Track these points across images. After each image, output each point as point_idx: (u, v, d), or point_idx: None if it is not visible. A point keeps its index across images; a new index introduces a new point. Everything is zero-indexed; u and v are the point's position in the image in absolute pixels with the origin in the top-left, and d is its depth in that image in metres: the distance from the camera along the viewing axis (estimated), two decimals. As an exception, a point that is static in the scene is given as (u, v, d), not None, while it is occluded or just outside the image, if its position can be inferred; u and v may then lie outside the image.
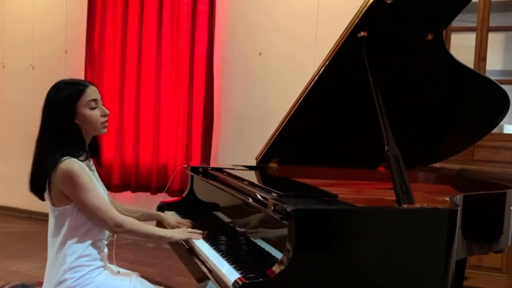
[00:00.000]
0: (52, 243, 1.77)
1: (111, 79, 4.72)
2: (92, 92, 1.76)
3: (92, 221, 1.73)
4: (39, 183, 1.74)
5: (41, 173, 1.71)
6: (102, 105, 1.81)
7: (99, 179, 1.87)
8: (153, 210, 2.21)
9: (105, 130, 1.80)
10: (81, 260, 1.73)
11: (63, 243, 1.72)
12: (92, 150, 1.85)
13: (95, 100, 1.76)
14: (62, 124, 1.72)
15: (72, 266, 1.71)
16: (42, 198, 1.78)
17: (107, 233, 1.84)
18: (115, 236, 1.87)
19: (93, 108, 1.75)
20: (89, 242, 1.75)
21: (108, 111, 1.80)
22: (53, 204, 1.74)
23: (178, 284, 3.36)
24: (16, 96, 5.40)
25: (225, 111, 4.49)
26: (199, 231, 1.95)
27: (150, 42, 4.60)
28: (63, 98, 1.73)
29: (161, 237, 1.89)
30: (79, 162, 1.70)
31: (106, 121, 1.79)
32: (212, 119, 4.42)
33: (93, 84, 1.81)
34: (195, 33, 4.43)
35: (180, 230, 1.97)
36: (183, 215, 2.31)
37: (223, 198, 2.16)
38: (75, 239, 1.72)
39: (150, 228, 1.87)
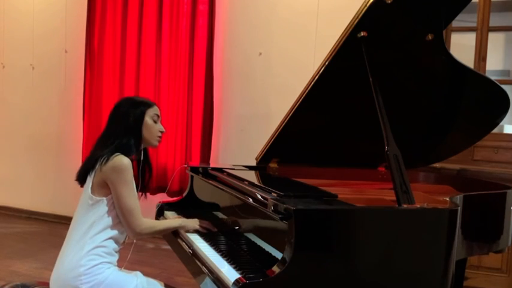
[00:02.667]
0: (76, 229, 1.87)
1: (111, 79, 4.72)
2: (157, 109, 2.03)
3: (120, 218, 1.87)
4: (87, 170, 1.90)
5: (93, 161, 1.88)
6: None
7: None
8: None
9: (157, 144, 2.03)
10: (97, 250, 1.83)
11: (87, 231, 1.84)
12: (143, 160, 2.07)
13: (158, 116, 2.01)
14: (130, 124, 1.93)
15: (89, 253, 1.81)
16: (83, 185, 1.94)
17: (125, 237, 1.96)
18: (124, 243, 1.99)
19: (155, 122, 1.99)
20: (109, 236, 1.87)
21: (164, 130, 2.03)
22: (92, 192, 1.86)
23: (178, 284, 3.36)
24: (16, 96, 5.40)
25: (225, 111, 4.49)
26: (209, 223, 2.07)
27: (149, 42, 4.60)
28: (137, 104, 1.98)
29: (177, 227, 2.05)
30: (129, 160, 1.87)
31: (160, 137, 2.02)
32: (212, 119, 4.42)
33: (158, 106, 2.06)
34: (195, 33, 4.43)
35: (193, 220, 2.09)
36: (183, 215, 2.31)
37: (223, 198, 2.16)
38: (98, 230, 1.85)
39: (166, 223, 2.07)
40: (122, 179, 1.83)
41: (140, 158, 2.02)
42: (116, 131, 1.93)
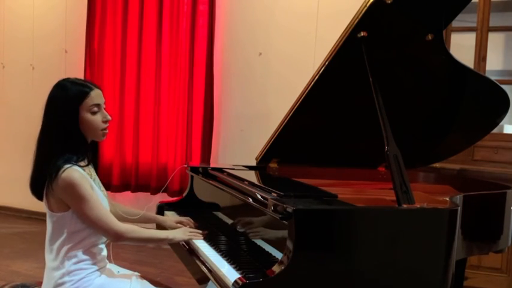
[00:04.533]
0: (49, 248, 1.74)
1: (111, 79, 4.72)
2: (96, 96, 1.71)
3: (92, 229, 1.71)
4: (39, 186, 1.71)
5: (41, 177, 1.68)
6: (105, 110, 1.76)
7: (100, 184, 1.84)
8: (151, 214, 2.17)
9: (104, 137, 1.77)
10: (79, 264, 1.71)
11: (60, 248, 1.70)
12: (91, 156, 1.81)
13: (97, 105, 1.71)
14: (65, 127, 1.68)
15: (71, 269, 1.69)
16: (41, 199, 1.75)
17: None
18: None
19: (94, 113, 1.71)
20: (87, 247, 1.73)
21: (109, 117, 1.75)
22: (51, 209, 1.70)
23: (178, 284, 3.37)
24: (16, 96, 5.40)
25: (225, 111, 4.49)
26: (200, 231, 1.95)
27: (150, 42, 4.60)
28: (67, 100, 1.68)
29: (163, 240, 1.88)
30: (80, 170, 1.66)
31: (106, 127, 1.75)
32: (212, 119, 4.42)
33: (98, 87, 1.75)
34: (195, 33, 4.43)
35: (181, 230, 1.96)
36: (183, 215, 2.31)
37: (223, 198, 2.16)
38: (72, 244, 1.70)
39: (151, 232, 1.86)
40: (77, 196, 1.62)
41: (90, 155, 1.77)
42: (54, 134, 1.68)
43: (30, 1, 5.28)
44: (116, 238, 1.71)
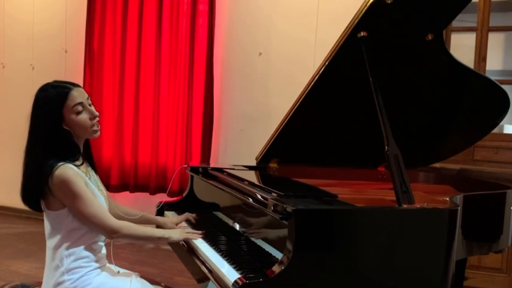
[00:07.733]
0: (49, 246, 1.74)
1: (111, 79, 4.72)
2: (77, 95, 1.70)
3: (87, 227, 1.72)
4: (34, 191, 1.69)
5: (34, 183, 1.67)
6: (91, 105, 1.74)
7: (99, 183, 1.85)
8: (151, 215, 2.16)
9: (97, 134, 1.75)
10: (78, 262, 1.71)
11: (59, 246, 1.70)
12: (85, 155, 1.82)
13: (80, 103, 1.70)
14: (51, 131, 1.68)
15: (70, 267, 1.70)
16: (35, 208, 1.73)
17: None
18: None
19: (79, 113, 1.70)
20: (86, 244, 1.73)
21: (97, 113, 1.73)
22: (48, 208, 1.71)
23: (178, 284, 3.36)
24: (16, 96, 5.39)
25: (225, 111, 4.49)
26: (198, 232, 1.95)
27: (149, 42, 4.60)
28: (49, 105, 1.69)
29: (159, 238, 1.89)
30: (74, 168, 1.67)
31: (96, 123, 1.74)
32: (212, 119, 4.42)
33: (77, 85, 1.75)
34: (195, 33, 4.43)
35: (178, 230, 1.97)
36: (182, 213, 2.31)
37: (223, 198, 2.16)
38: (71, 242, 1.70)
39: (148, 230, 1.86)
40: (71, 194, 1.63)
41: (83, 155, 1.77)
42: (42, 140, 1.68)
43: (30, 2, 5.28)
44: (111, 234, 1.71)
